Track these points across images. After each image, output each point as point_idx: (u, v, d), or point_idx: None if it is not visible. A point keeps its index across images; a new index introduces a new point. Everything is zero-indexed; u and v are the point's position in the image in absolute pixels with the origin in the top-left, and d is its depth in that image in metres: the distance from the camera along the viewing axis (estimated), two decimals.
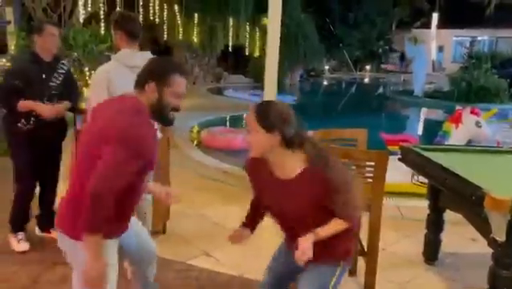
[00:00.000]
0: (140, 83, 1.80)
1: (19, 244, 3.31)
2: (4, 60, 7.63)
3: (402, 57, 25.44)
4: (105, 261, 1.77)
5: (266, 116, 1.78)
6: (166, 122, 1.88)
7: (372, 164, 2.72)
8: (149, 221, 3.04)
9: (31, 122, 3.16)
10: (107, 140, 1.68)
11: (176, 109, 1.85)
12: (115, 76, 2.66)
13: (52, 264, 3.04)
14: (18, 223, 3.36)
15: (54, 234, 2.65)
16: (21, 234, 3.35)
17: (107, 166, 1.65)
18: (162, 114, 1.82)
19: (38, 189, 3.46)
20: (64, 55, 3.79)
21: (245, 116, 10.89)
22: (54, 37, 3.22)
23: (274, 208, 1.99)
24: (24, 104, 3.08)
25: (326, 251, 1.92)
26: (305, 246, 1.80)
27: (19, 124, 3.14)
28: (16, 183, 3.29)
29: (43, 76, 3.20)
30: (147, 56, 2.81)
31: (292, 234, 1.95)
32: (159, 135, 2.52)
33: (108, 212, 1.67)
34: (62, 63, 3.35)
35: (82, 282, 1.78)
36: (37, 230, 3.53)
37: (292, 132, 1.79)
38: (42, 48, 3.21)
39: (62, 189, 3.09)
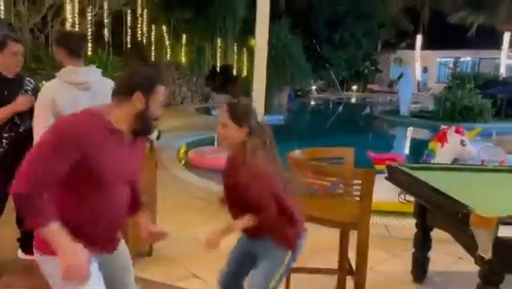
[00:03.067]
0: (125, 92, 1.76)
1: None
2: None
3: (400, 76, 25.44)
4: (83, 254, 1.66)
5: (237, 113, 2.09)
6: (148, 131, 1.86)
7: (359, 182, 2.73)
8: None
9: (4, 144, 3.01)
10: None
11: (157, 118, 1.85)
12: (57, 94, 2.65)
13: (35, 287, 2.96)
14: None
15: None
16: None
17: (28, 161, 1.60)
18: (147, 123, 1.81)
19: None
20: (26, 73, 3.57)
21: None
22: (17, 55, 3.04)
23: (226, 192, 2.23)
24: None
25: (272, 237, 2.13)
26: (213, 238, 2.09)
27: None
28: None
29: (5, 93, 3.02)
30: (93, 71, 2.81)
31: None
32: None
33: (41, 204, 1.59)
34: (29, 80, 3.20)
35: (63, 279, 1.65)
36: (20, 254, 3.44)
37: (255, 124, 2.11)
38: (2, 66, 3.04)
39: None
